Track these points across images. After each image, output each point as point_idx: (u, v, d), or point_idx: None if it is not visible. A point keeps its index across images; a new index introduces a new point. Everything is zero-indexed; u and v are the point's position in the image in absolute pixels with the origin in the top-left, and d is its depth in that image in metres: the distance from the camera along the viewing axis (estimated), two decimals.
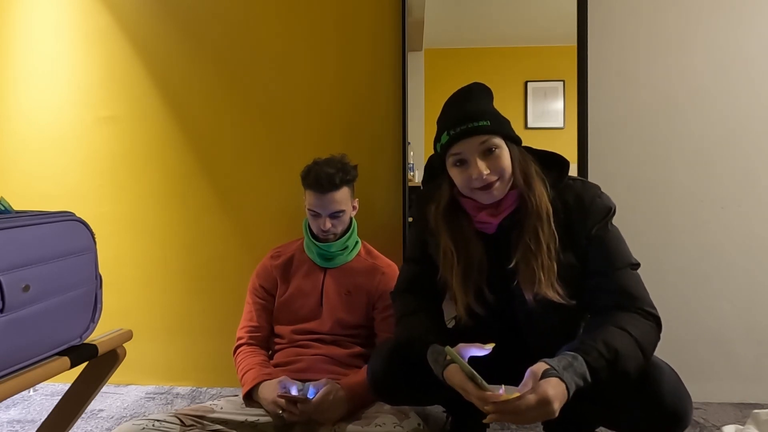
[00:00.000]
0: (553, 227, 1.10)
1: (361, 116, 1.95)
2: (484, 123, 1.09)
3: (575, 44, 1.83)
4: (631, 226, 1.89)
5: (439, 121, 1.17)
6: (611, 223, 1.14)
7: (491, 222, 1.15)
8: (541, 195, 1.11)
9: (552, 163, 1.17)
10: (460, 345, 1.07)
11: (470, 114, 1.10)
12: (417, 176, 1.96)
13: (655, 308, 1.09)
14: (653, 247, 1.87)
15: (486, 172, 1.08)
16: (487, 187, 1.10)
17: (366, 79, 1.94)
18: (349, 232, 1.62)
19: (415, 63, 1.95)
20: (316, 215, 1.56)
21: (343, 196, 1.55)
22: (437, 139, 1.15)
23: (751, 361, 1.86)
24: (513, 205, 1.14)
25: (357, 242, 1.66)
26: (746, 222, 1.85)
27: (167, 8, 2.03)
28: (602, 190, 1.16)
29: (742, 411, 1.76)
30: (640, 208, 1.87)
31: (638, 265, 1.14)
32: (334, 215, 1.55)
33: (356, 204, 1.66)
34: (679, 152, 1.87)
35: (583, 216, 1.12)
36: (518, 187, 1.13)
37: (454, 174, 1.14)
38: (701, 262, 1.87)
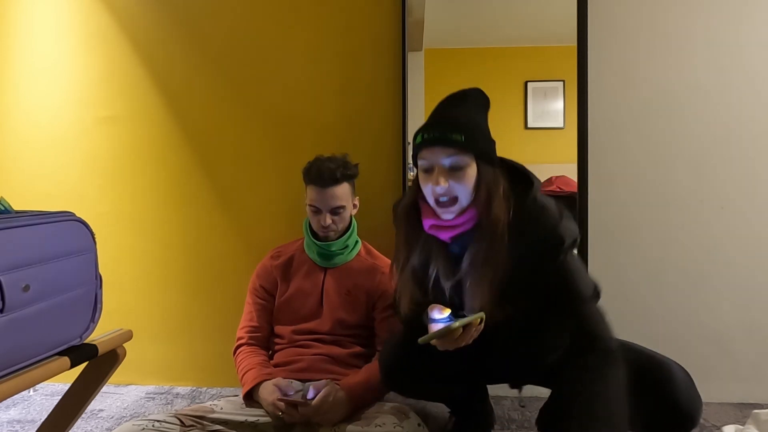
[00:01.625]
0: (504, 253, 1.07)
1: (361, 116, 1.95)
2: (458, 137, 1.06)
3: (575, 44, 1.83)
4: (631, 226, 1.90)
5: (427, 118, 1.16)
6: (567, 254, 1.09)
7: (439, 235, 1.13)
8: (497, 220, 1.07)
9: (520, 179, 1.13)
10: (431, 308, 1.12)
11: (448, 123, 1.08)
12: None
13: (612, 340, 1.08)
14: (653, 246, 1.87)
15: (444, 186, 1.06)
16: (444, 204, 1.09)
17: (366, 78, 1.94)
18: (350, 231, 1.62)
19: (415, 63, 1.95)
20: (317, 211, 1.56)
21: (343, 192, 1.56)
22: (413, 138, 1.14)
23: (751, 361, 1.86)
24: (468, 224, 1.11)
25: (357, 242, 1.66)
26: (746, 222, 1.85)
27: (167, 8, 2.03)
28: (565, 215, 1.11)
29: (742, 411, 1.76)
30: (640, 207, 1.87)
31: (597, 294, 1.12)
32: (335, 211, 1.55)
33: (357, 203, 1.66)
34: (679, 152, 1.87)
35: (536, 245, 1.07)
36: (477, 208, 1.09)
37: (421, 178, 1.13)
38: (701, 261, 1.87)
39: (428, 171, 1.10)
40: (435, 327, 1.07)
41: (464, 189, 1.08)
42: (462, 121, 1.09)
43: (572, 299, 1.09)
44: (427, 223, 1.14)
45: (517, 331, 1.11)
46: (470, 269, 1.11)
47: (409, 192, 1.21)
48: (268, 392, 1.37)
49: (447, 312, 1.09)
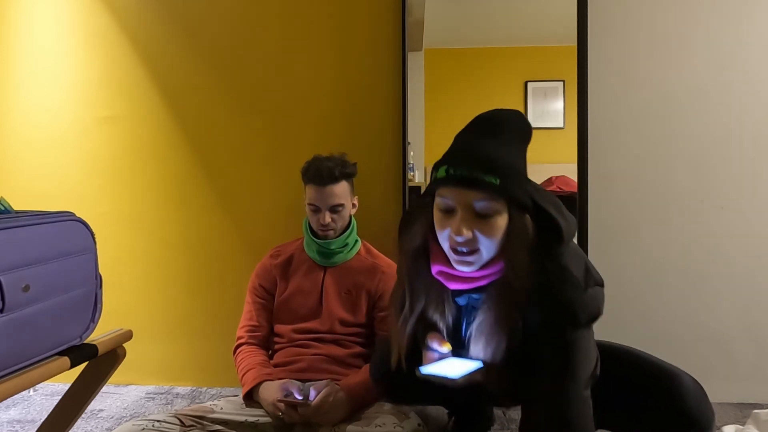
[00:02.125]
0: (518, 322, 0.94)
1: (361, 116, 1.95)
2: (492, 179, 0.89)
3: (575, 44, 1.83)
4: (631, 226, 1.90)
5: (452, 145, 0.98)
6: (580, 332, 0.94)
7: (447, 284, 0.99)
8: (520, 284, 0.92)
9: (546, 225, 0.95)
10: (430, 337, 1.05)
11: (481, 160, 0.90)
12: (417, 176, 1.96)
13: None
14: (653, 246, 1.87)
15: (466, 236, 0.90)
16: (462, 254, 0.94)
17: (366, 79, 1.94)
18: (349, 230, 1.62)
19: (415, 63, 1.95)
20: (316, 209, 1.56)
21: (342, 190, 1.57)
22: (434, 169, 0.96)
23: (751, 361, 1.86)
24: (484, 281, 0.96)
25: (357, 241, 1.66)
26: (746, 222, 1.85)
27: (167, 8, 2.03)
28: (592, 282, 0.96)
29: (742, 411, 1.76)
30: (640, 207, 1.87)
31: (594, 378, 1.00)
32: (334, 209, 1.56)
33: (356, 202, 1.67)
34: (679, 152, 1.87)
35: (547, 316, 0.92)
36: (500, 265, 0.94)
37: (437, 218, 0.97)
38: (701, 261, 1.87)
39: (449, 212, 0.94)
40: (431, 356, 1.04)
41: (490, 242, 0.92)
42: (498, 159, 0.91)
43: (571, 383, 0.93)
44: (435, 267, 0.99)
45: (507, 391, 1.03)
46: (478, 333, 0.99)
47: (417, 225, 1.02)
48: (268, 392, 1.37)
49: (447, 347, 1.03)
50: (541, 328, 0.93)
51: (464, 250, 0.93)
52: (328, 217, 1.55)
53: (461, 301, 1.03)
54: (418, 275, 1.03)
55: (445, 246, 0.96)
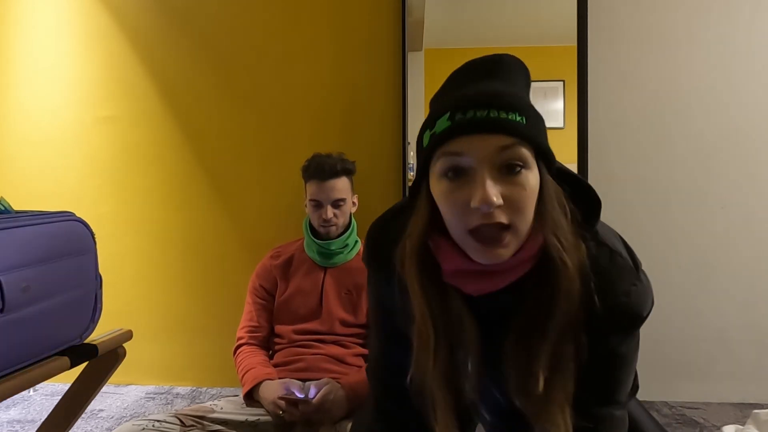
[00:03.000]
0: (580, 333, 0.66)
1: (361, 116, 1.95)
2: (516, 117, 0.63)
3: (575, 44, 1.83)
4: (631, 226, 1.89)
5: (435, 101, 0.72)
6: (633, 334, 0.71)
7: (464, 287, 0.68)
8: (575, 266, 0.65)
9: (579, 197, 0.71)
10: None
11: (496, 95, 0.64)
12: None
13: None
14: (653, 246, 1.87)
15: (498, 202, 0.61)
16: (492, 238, 0.63)
17: (366, 79, 1.94)
18: (349, 230, 1.63)
19: (415, 63, 1.95)
20: (318, 205, 1.57)
21: (343, 185, 1.59)
22: (425, 127, 0.68)
23: (751, 361, 1.86)
24: (523, 270, 0.66)
25: (357, 241, 1.66)
26: (747, 222, 1.85)
27: (167, 8, 2.03)
28: (639, 262, 0.71)
29: (742, 411, 1.76)
30: (640, 208, 1.87)
31: (634, 392, 0.81)
32: (336, 204, 1.57)
33: (356, 200, 1.67)
34: (680, 152, 1.87)
35: (594, 315, 0.66)
36: (542, 243, 0.65)
37: (440, 194, 0.66)
38: (701, 261, 1.87)
39: (461, 175, 0.63)
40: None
41: (525, 206, 0.63)
42: (515, 93, 0.66)
43: (618, 397, 0.72)
44: (449, 266, 0.67)
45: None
46: (517, 349, 0.68)
47: (415, 222, 0.71)
48: (269, 391, 1.37)
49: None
50: (597, 332, 0.67)
51: (496, 223, 0.62)
52: (330, 212, 1.55)
53: (481, 309, 0.70)
54: (431, 284, 0.70)
55: (460, 230, 0.64)
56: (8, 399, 1.44)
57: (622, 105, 1.87)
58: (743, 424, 1.40)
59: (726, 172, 1.85)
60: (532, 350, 0.66)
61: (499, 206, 0.61)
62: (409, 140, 1.90)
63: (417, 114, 1.92)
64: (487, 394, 0.77)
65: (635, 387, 0.78)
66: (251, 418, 1.34)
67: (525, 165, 0.63)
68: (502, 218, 0.62)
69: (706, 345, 1.87)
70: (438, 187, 0.66)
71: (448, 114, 0.64)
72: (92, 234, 1.00)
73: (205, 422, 1.29)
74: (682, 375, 1.88)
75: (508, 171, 0.63)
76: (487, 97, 0.64)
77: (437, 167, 0.66)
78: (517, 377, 0.68)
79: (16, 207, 0.91)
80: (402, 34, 1.89)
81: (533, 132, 0.64)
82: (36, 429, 1.10)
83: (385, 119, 1.93)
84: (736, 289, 1.86)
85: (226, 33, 2.01)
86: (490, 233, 0.62)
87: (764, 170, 1.84)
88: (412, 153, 1.93)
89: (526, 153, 0.63)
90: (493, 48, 2.21)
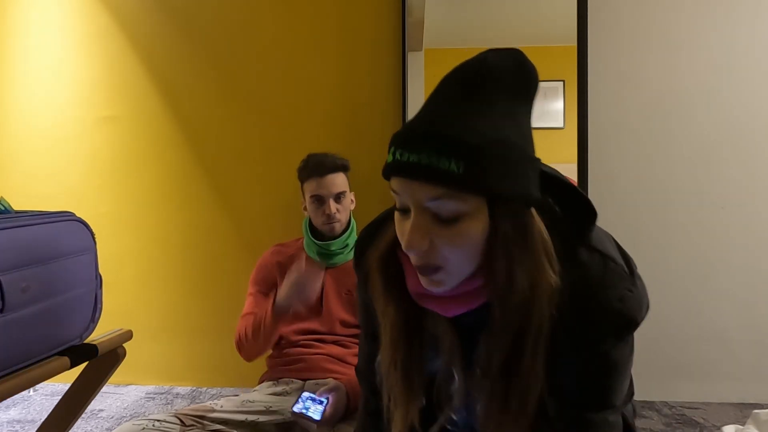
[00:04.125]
0: (541, 357, 0.64)
1: (362, 116, 1.95)
2: (451, 165, 0.57)
3: (575, 44, 1.83)
4: (631, 226, 1.90)
5: (409, 120, 0.68)
6: (627, 339, 0.69)
7: (434, 309, 0.68)
8: (526, 303, 0.62)
9: (568, 204, 0.67)
10: None
11: (437, 136, 0.59)
12: None
13: None
14: (653, 246, 1.87)
15: (420, 247, 0.61)
16: (425, 271, 0.63)
17: (366, 79, 1.94)
18: (349, 230, 1.63)
19: (415, 63, 1.95)
20: (320, 201, 1.57)
21: (342, 180, 1.61)
22: (389, 145, 0.65)
23: (751, 361, 1.86)
24: (477, 300, 0.66)
25: None
26: (746, 222, 1.85)
27: (167, 8, 2.03)
28: (634, 265, 0.71)
29: (742, 411, 1.76)
30: (640, 208, 1.87)
31: (629, 398, 0.77)
32: (338, 198, 1.58)
33: (353, 198, 1.68)
34: (679, 152, 1.87)
35: (587, 321, 0.65)
36: (488, 278, 0.63)
37: (396, 219, 0.66)
38: (701, 261, 1.87)
39: (404, 212, 0.64)
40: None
41: (458, 254, 0.61)
42: (467, 132, 0.58)
43: (611, 402, 0.71)
44: (411, 285, 0.68)
45: None
46: (485, 382, 0.67)
47: (386, 233, 0.72)
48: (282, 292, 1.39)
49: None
50: (573, 342, 0.65)
51: (423, 265, 0.62)
52: (333, 207, 1.56)
53: (467, 320, 0.69)
54: (394, 292, 0.71)
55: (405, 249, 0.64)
56: (8, 399, 1.44)
57: (622, 105, 1.87)
58: (743, 424, 1.40)
59: (726, 172, 1.85)
60: (499, 377, 0.65)
61: (423, 254, 0.61)
62: None
63: None
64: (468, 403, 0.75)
65: (630, 392, 0.76)
66: (251, 418, 1.34)
67: (460, 217, 0.60)
68: (432, 260, 0.62)
69: (706, 345, 1.87)
70: (395, 213, 0.66)
71: (393, 148, 0.63)
72: (92, 234, 1.00)
73: (205, 422, 1.29)
74: (682, 375, 1.88)
75: (444, 218, 0.60)
76: (423, 139, 0.59)
77: (392, 193, 0.65)
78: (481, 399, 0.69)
79: (16, 207, 0.91)
80: (402, 34, 1.89)
81: (475, 180, 0.58)
82: (36, 429, 1.10)
83: (385, 119, 1.93)
84: (736, 289, 1.86)
85: (226, 33, 2.01)
86: (422, 269, 0.63)
87: (764, 170, 1.84)
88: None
89: (461, 204, 0.59)
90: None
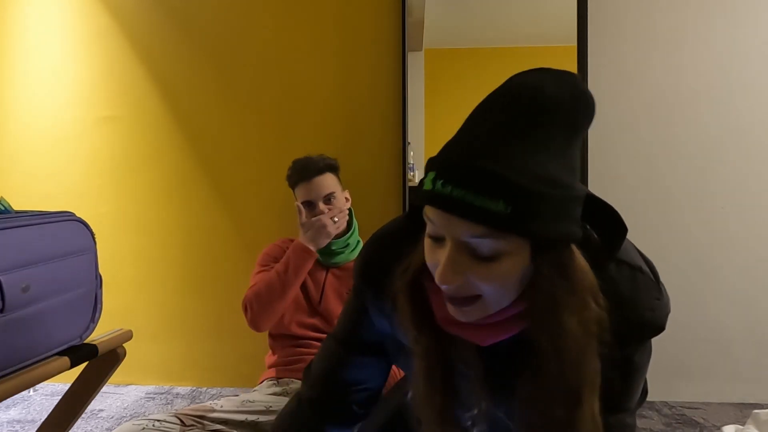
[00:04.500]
0: (596, 379, 0.62)
1: (361, 116, 1.95)
2: (497, 207, 0.54)
3: (575, 44, 1.83)
4: (631, 226, 1.88)
5: (460, 132, 0.62)
6: (648, 344, 0.72)
7: (464, 336, 0.66)
8: (578, 341, 0.60)
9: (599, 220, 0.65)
10: None
11: (481, 174, 0.55)
12: (417, 176, 1.96)
13: None
14: (653, 246, 1.85)
15: (455, 283, 0.59)
16: (457, 302, 0.61)
17: (366, 79, 1.94)
18: (351, 230, 1.63)
19: (415, 63, 1.95)
20: (310, 205, 1.58)
21: (331, 181, 1.61)
22: (426, 169, 0.61)
23: (751, 361, 1.86)
24: (513, 329, 0.64)
25: (358, 242, 1.67)
26: (747, 222, 1.85)
27: (167, 8, 2.02)
28: (658, 274, 0.72)
29: (742, 411, 1.76)
30: (640, 208, 1.87)
31: (643, 400, 0.78)
32: (327, 199, 1.59)
33: (348, 196, 1.68)
34: (679, 152, 1.87)
35: (621, 330, 0.63)
36: (535, 327, 0.62)
37: (426, 245, 0.63)
38: (701, 261, 1.87)
39: (438, 241, 0.61)
40: None
41: (494, 291, 0.60)
42: (516, 172, 0.55)
43: (630, 404, 0.72)
44: (440, 315, 0.66)
45: None
46: (529, 392, 0.65)
47: (414, 259, 0.68)
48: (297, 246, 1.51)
49: None
50: (616, 347, 0.63)
51: (455, 297, 0.61)
52: (323, 209, 1.57)
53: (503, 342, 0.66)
54: (421, 316, 0.68)
55: (438, 285, 0.62)
56: (8, 399, 1.44)
57: (622, 105, 1.87)
58: (743, 424, 1.40)
59: (727, 172, 1.85)
60: (545, 403, 0.63)
61: (457, 289, 0.59)
62: (409, 140, 1.90)
63: (417, 114, 1.92)
64: (497, 425, 0.74)
65: (644, 393, 0.77)
66: (251, 418, 1.34)
67: (499, 256, 0.57)
68: (465, 292, 0.59)
69: (706, 345, 1.87)
70: (425, 238, 0.63)
71: (434, 175, 0.58)
72: (92, 234, 1.00)
73: (205, 422, 1.29)
74: (682, 375, 1.88)
75: (480, 258, 0.58)
76: (471, 174, 0.55)
77: (426, 220, 0.62)
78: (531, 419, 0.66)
79: (16, 207, 0.91)
80: (402, 34, 1.89)
81: (522, 222, 0.55)
82: (36, 429, 1.10)
83: (385, 119, 1.93)
84: (736, 289, 1.86)
85: (226, 33, 2.01)
86: (454, 300, 0.61)
87: (764, 170, 1.84)
88: (412, 153, 1.93)
89: (504, 244, 0.57)
90: (493, 48, 2.21)
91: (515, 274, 0.59)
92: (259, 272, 1.61)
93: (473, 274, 0.58)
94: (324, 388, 0.84)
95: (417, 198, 0.62)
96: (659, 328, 0.68)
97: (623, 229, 0.65)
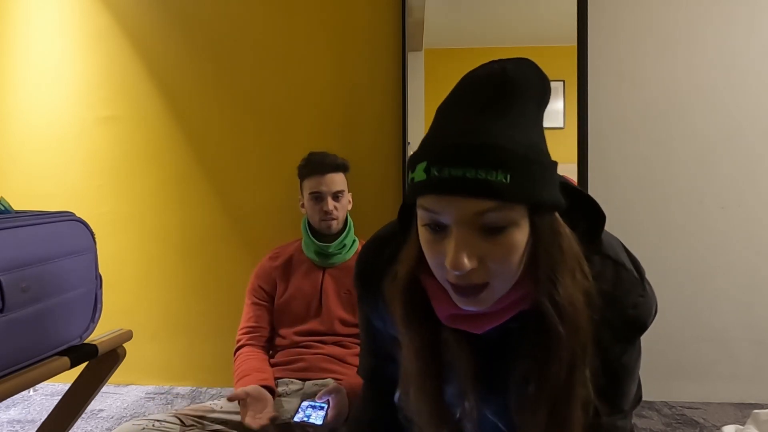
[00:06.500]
0: (588, 345, 0.63)
1: (361, 116, 1.95)
2: (498, 177, 0.55)
3: (575, 44, 1.83)
4: (631, 226, 1.90)
5: (434, 123, 0.64)
6: (636, 344, 0.71)
7: (466, 328, 0.65)
8: (577, 308, 0.61)
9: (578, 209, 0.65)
10: None
11: (478, 147, 0.56)
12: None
13: None
14: (653, 246, 1.87)
15: (470, 266, 0.57)
16: (467, 292, 0.60)
17: (366, 79, 1.94)
18: (347, 230, 1.63)
19: (415, 63, 1.95)
20: (319, 197, 1.59)
21: (342, 180, 1.63)
22: (410, 166, 0.62)
23: (751, 361, 1.86)
24: (512, 312, 0.65)
25: (354, 241, 1.67)
26: (746, 222, 1.85)
27: (167, 8, 2.03)
28: (643, 270, 0.70)
29: (742, 411, 1.76)
30: (640, 208, 1.87)
31: (638, 401, 0.77)
32: (336, 196, 1.60)
33: (350, 199, 1.69)
34: (679, 152, 1.87)
35: (602, 330, 0.64)
36: (530, 287, 0.63)
37: (423, 240, 0.63)
38: (701, 261, 1.87)
39: (439, 230, 0.60)
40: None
41: (506, 266, 0.59)
42: (510, 143, 0.57)
43: (624, 404, 0.72)
44: (442, 311, 0.65)
45: None
46: (527, 390, 0.66)
47: (404, 259, 0.68)
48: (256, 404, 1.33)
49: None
50: (603, 345, 0.65)
51: (466, 285, 0.60)
52: (331, 204, 1.58)
53: (492, 334, 0.67)
54: (417, 318, 0.68)
55: (440, 278, 0.63)
56: (8, 399, 1.44)
57: (622, 105, 1.88)
58: (743, 424, 1.40)
59: (726, 172, 1.85)
60: (539, 393, 0.64)
61: (471, 269, 0.58)
62: (409, 140, 1.90)
63: (417, 114, 1.92)
64: (484, 422, 0.74)
65: (638, 396, 0.76)
66: None
67: (507, 226, 0.58)
68: (477, 279, 0.59)
69: (706, 345, 1.87)
70: (421, 233, 0.63)
71: (425, 164, 0.59)
72: (92, 234, 1.00)
73: (205, 422, 1.29)
74: (682, 375, 1.88)
75: (489, 231, 0.58)
76: (466, 151, 0.56)
77: (419, 214, 0.62)
78: (522, 415, 0.67)
79: (16, 207, 0.91)
80: (402, 34, 1.89)
81: (522, 189, 0.57)
82: (36, 429, 1.10)
83: (385, 119, 1.93)
84: (735, 289, 1.86)
85: (226, 34, 2.01)
86: (464, 290, 0.60)
87: (764, 170, 1.84)
88: (411, 153, 1.93)
89: (509, 214, 0.57)
90: (492, 48, 2.21)
91: (522, 246, 0.59)
92: (247, 305, 1.62)
93: (484, 253, 0.58)
94: (373, 383, 0.88)
95: (411, 193, 0.62)
96: (642, 326, 0.68)
97: (601, 218, 0.66)
